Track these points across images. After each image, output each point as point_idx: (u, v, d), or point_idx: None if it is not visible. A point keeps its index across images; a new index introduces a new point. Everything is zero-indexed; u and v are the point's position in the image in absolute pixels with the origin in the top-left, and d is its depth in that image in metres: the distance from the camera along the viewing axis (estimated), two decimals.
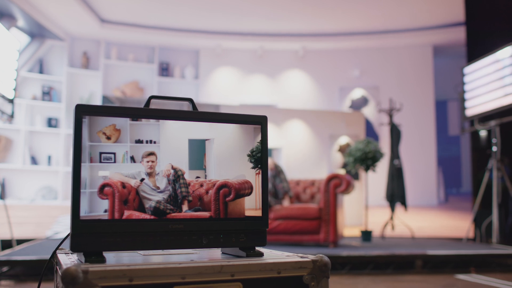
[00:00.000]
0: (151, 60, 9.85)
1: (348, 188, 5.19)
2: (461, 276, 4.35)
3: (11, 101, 6.08)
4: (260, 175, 1.21)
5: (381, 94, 10.03)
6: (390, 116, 7.92)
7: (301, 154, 9.05)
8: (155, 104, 7.05)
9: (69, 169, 8.66)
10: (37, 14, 8.20)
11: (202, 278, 1.00)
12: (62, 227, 8.31)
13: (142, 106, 1.23)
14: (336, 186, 5.12)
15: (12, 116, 6.15)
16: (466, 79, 6.10)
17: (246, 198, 1.19)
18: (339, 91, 10.39)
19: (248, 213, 1.19)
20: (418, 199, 10.04)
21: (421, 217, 8.82)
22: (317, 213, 5.10)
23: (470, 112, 6.04)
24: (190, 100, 1.22)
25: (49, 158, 8.60)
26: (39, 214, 8.30)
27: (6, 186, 8.19)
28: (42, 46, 8.88)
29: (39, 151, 8.60)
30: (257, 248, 1.23)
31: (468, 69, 6.04)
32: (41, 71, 8.85)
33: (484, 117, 6.07)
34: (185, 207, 1.15)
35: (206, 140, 1.19)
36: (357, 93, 10.41)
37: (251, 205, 1.20)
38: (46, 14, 8.41)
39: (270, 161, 5.66)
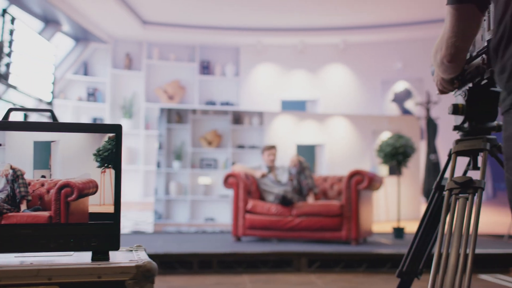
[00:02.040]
0: (192, 59, 10.02)
1: (371, 185, 5.10)
2: (484, 276, 4.18)
3: (49, 103, 6.39)
4: (106, 174, 1.23)
5: (425, 86, 9.74)
6: (427, 109, 7.69)
7: (344, 150, 8.94)
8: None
9: None
10: (81, 18, 8.53)
11: (17, 281, 1.03)
12: None
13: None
14: (358, 183, 5.04)
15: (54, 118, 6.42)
16: None
17: (91, 197, 1.22)
18: (381, 84, 10.17)
19: (92, 209, 1.22)
20: None
21: None
22: (338, 210, 5.04)
23: None
24: (50, 111, 1.26)
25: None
26: None
27: None
28: (86, 49, 9.24)
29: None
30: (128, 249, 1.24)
31: None
32: (86, 73, 9.22)
33: None
34: (23, 206, 1.18)
35: (52, 141, 1.22)
36: (400, 86, 10.15)
37: (96, 202, 1.22)
38: (90, 18, 8.73)
39: (294, 158, 5.64)
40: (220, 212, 8.43)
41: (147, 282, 1.12)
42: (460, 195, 1.56)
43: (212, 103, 10.00)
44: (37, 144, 1.20)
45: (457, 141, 1.66)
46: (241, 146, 9.37)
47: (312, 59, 10.20)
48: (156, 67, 9.87)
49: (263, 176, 5.65)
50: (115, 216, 1.23)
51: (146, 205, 9.30)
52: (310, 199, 5.45)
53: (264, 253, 4.43)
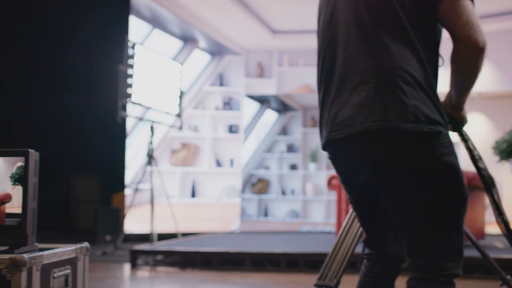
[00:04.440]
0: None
1: (469, 185, 4.88)
2: None
3: (177, 115, 7.19)
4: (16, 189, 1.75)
5: None
6: None
7: (481, 148, 8.47)
8: None
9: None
10: (216, 34, 9.33)
11: None
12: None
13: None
14: None
15: (180, 128, 7.24)
16: None
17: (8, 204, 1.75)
18: None
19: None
20: None
21: None
22: None
23: None
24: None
25: (231, 161, 9.68)
26: (224, 211, 9.42)
27: (196, 187, 9.49)
28: (221, 62, 10.04)
29: (223, 155, 9.75)
30: None
31: None
32: (221, 84, 10.01)
33: None
34: None
35: None
36: None
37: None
38: (224, 33, 9.49)
39: None
40: None
41: (16, 271, 1.59)
42: None
43: None
44: None
45: None
46: None
47: (445, 51, 9.75)
48: (286, 74, 10.32)
49: None
50: (23, 221, 1.72)
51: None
52: None
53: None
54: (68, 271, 1.86)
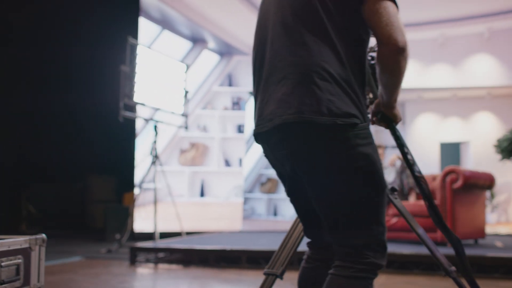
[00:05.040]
0: None
1: (469, 184, 4.84)
2: None
3: (183, 115, 7.28)
4: None
5: None
6: None
7: (491, 146, 8.38)
8: None
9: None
10: (225, 35, 9.41)
11: None
12: None
13: None
14: (453, 182, 4.86)
15: (186, 128, 7.33)
16: None
17: None
18: None
19: None
20: None
21: None
22: None
23: None
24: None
25: (240, 160, 9.73)
26: (232, 210, 9.48)
27: (204, 187, 9.57)
28: (230, 62, 10.10)
29: (231, 155, 9.80)
30: None
31: None
32: (230, 84, 10.06)
33: None
34: None
35: None
36: None
37: None
38: (233, 34, 9.55)
39: (393, 157, 5.61)
40: None
41: None
42: None
43: None
44: None
45: None
46: (379, 147, 9.34)
47: (454, 51, 9.67)
48: None
49: None
50: None
51: None
52: (412, 199, 5.38)
53: None
54: (20, 260, 1.94)
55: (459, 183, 4.80)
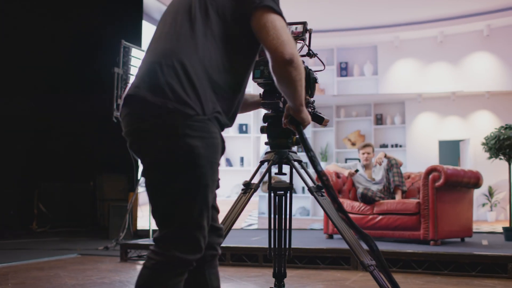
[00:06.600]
0: (330, 62, 10.32)
1: (451, 182, 4.90)
2: None
3: None
4: None
5: None
6: None
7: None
8: None
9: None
10: None
11: None
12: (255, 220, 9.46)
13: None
14: (435, 180, 4.93)
15: None
16: None
17: None
18: None
19: None
20: None
21: None
22: (415, 208, 5.00)
23: None
24: None
25: (242, 159, 9.88)
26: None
27: None
28: None
29: (233, 154, 9.96)
30: None
31: None
32: None
33: None
34: None
35: None
36: None
37: None
38: None
39: (379, 155, 5.70)
40: None
41: None
42: None
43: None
44: None
45: None
46: (384, 145, 9.45)
47: (454, 49, 9.67)
48: None
49: (351, 175, 5.81)
50: None
51: None
52: (398, 197, 5.46)
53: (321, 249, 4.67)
54: None
55: (441, 181, 4.83)
